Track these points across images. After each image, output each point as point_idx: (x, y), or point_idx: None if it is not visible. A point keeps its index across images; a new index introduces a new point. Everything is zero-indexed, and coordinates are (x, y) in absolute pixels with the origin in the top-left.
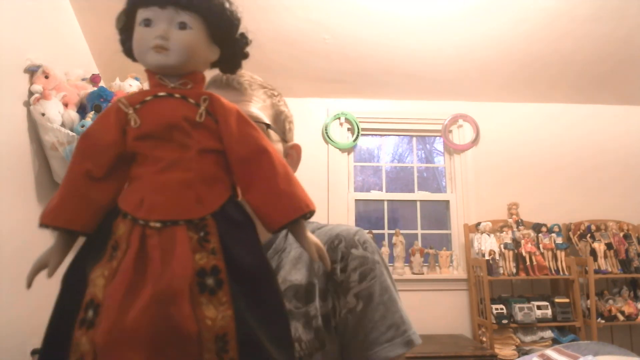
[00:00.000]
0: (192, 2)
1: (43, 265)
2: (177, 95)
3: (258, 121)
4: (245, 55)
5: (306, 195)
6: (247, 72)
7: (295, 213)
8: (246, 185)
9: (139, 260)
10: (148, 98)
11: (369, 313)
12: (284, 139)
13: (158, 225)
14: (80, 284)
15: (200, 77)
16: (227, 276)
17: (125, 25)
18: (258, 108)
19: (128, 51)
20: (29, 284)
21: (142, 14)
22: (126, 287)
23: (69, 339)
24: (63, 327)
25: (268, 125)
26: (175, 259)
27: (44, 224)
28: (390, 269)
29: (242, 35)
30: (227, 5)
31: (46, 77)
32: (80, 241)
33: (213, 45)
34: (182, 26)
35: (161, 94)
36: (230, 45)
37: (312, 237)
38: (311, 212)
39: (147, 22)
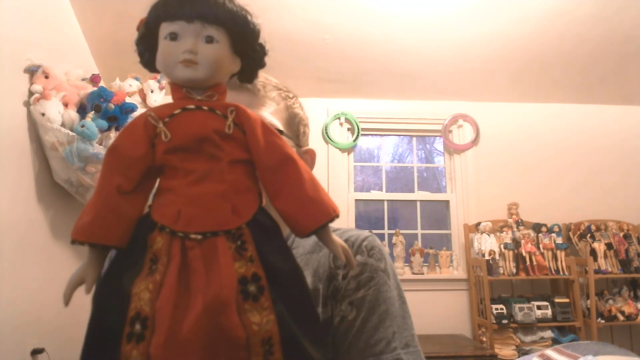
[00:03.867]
0: (218, 16)
1: (79, 282)
2: (204, 108)
3: None
4: (264, 65)
5: (331, 200)
6: (262, 73)
7: (324, 218)
8: (275, 193)
9: (182, 272)
10: (177, 111)
11: (360, 323)
12: (298, 144)
13: (199, 237)
14: (118, 299)
15: (223, 88)
16: (267, 282)
17: (145, 37)
18: (270, 112)
19: (147, 62)
20: (67, 302)
21: (167, 28)
22: (174, 299)
23: (111, 353)
24: (103, 342)
25: (280, 132)
26: (219, 269)
27: (78, 240)
28: None
29: (261, 45)
30: (249, 17)
31: (46, 77)
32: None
33: (235, 57)
34: (209, 40)
35: (190, 106)
36: (251, 56)
37: (338, 239)
38: (337, 216)
39: (174, 36)
